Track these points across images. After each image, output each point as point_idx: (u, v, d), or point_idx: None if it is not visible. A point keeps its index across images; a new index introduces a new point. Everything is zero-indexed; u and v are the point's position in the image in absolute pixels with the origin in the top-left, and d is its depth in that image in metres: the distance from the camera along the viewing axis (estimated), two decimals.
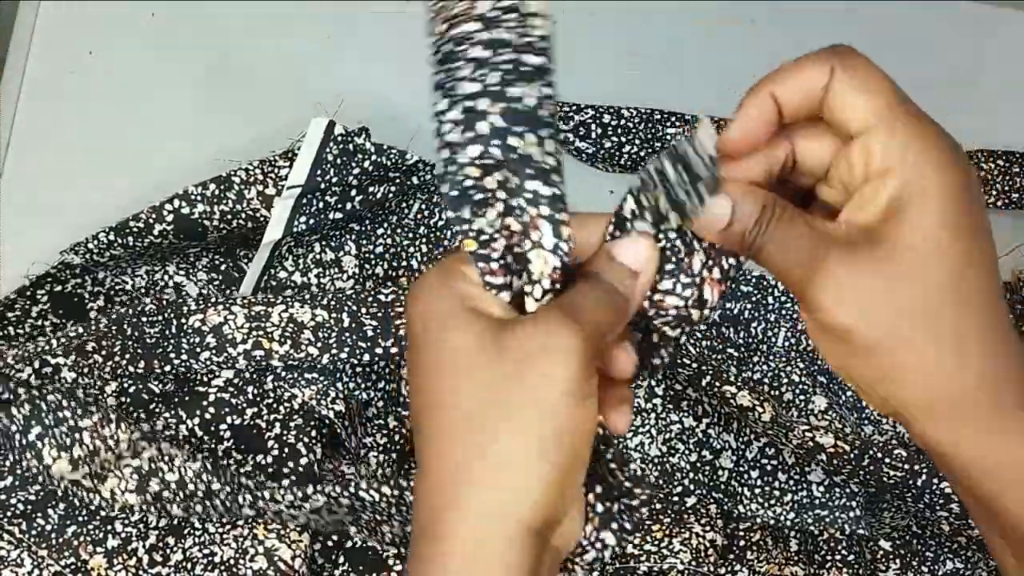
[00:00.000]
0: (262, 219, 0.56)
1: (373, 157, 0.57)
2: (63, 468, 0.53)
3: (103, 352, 0.55)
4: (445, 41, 0.34)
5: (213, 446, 0.57)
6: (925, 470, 0.55)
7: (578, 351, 0.33)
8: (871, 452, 0.55)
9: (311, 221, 0.57)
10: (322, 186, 0.56)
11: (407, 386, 0.59)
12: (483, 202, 0.35)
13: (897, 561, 0.60)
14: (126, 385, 0.58)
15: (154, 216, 0.56)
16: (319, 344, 0.54)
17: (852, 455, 0.55)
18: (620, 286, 0.35)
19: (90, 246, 0.57)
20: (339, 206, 0.57)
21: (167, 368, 0.55)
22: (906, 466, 0.55)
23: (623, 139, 0.65)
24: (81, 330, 0.56)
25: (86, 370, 0.55)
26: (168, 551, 0.56)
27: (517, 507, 0.32)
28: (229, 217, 0.56)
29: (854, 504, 0.58)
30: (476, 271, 0.35)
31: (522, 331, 0.33)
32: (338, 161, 0.56)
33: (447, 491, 0.33)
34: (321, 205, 0.57)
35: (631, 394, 0.38)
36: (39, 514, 0.56)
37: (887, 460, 0.55)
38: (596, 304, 0.35)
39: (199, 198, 0.56)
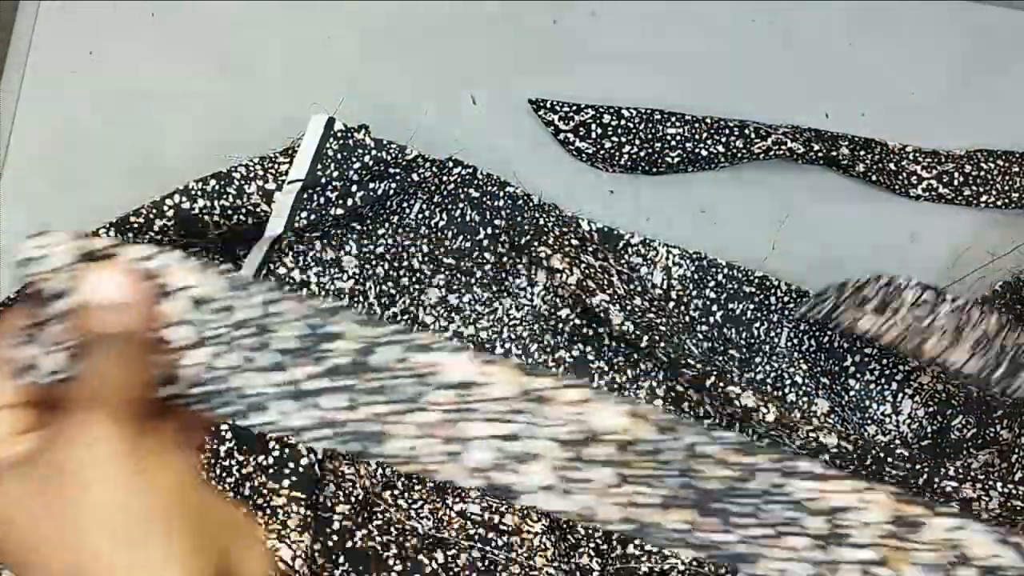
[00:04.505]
0: (262, 214, 0.56)
1: (373, 152, 0.57)
2: None
3: None
4: None
5: (215, 447, 0.57)
6: (927, 469, 0.55)
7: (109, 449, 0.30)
8: (874, 452, 0.55)
9: (312, 216, 0.57)
10: (323, 181, 0.56)
11: None
12: None
13: None
14: None
15: (154, 211, 0.56)
16: None
17: (855, 455, 0.55)
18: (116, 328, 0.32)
19: None
20: (340, 202, 0.57)
21: None
22: (908, 465, 0.55)
23: (623, 139, 0.65)
24: None
25: None
26: None
27: None
28: (230, 212, 0.56)
29: None
30: None
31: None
32: (338, 156, 0.57)
33: None
34: (322, 200, 0.57)
35: None
36: None
37: (889, 459, 0.55)
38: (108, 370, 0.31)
39: (199, 193, 0.56)
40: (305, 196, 0.56)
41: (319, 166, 0.56)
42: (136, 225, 0.56)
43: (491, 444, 0.32)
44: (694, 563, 0.58)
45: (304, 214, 0.56)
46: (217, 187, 0.56)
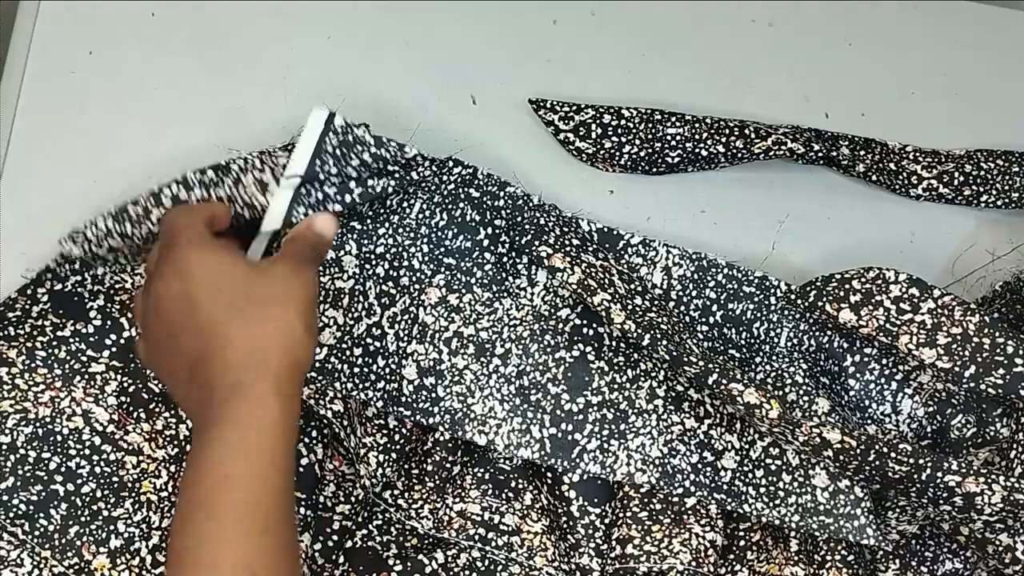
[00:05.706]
0: (258, 206, 0.56)
1: (372, 149, 0.57)
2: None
3: None
4: None
5: None
6: (929, 464, 0.55)
7: (307, 290, 0.51)
8: (877, 447, 0.55)
9: (309, 212, 0.56)
10: (321, 176, 0.56)
11: (408, 385, 0.59)
12: None
13: (896, 561, 0.61)
14: (126, 384, 0.58)
15: (152, 201, 0.56)
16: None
17: (858, 451, 0.55)
18: (317, 241, 0.55)
19: (88, 234, 0.57)
20: (338, 198, 0.57)
21: None
22: (911, 460, 0.55)
23: (623, 139, 0.65)
24: None
25: None
26: None
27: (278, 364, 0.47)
28: (226, 203, 0.56)
29: (859, 512, 0.58)
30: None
31: (270, 275, 0.51)
32: (337, 152, 0.56)
33: (225, 382, 0.47)
34: (320, 196, 0.56)
35: None
36: (41, 515, 0.56)
37: (892, 455, 0.55)
38: (312, 255, 0.54)
39: (196, 183, 0.56)
40: (303, 192, 0.56)
41: (318, 161, 0.56)
42: (134, 216, 0.56)
43: None
44: (692, 564, 0.58)
45: (301, 209, 0.56)
46: (214, 177, 0.56)
